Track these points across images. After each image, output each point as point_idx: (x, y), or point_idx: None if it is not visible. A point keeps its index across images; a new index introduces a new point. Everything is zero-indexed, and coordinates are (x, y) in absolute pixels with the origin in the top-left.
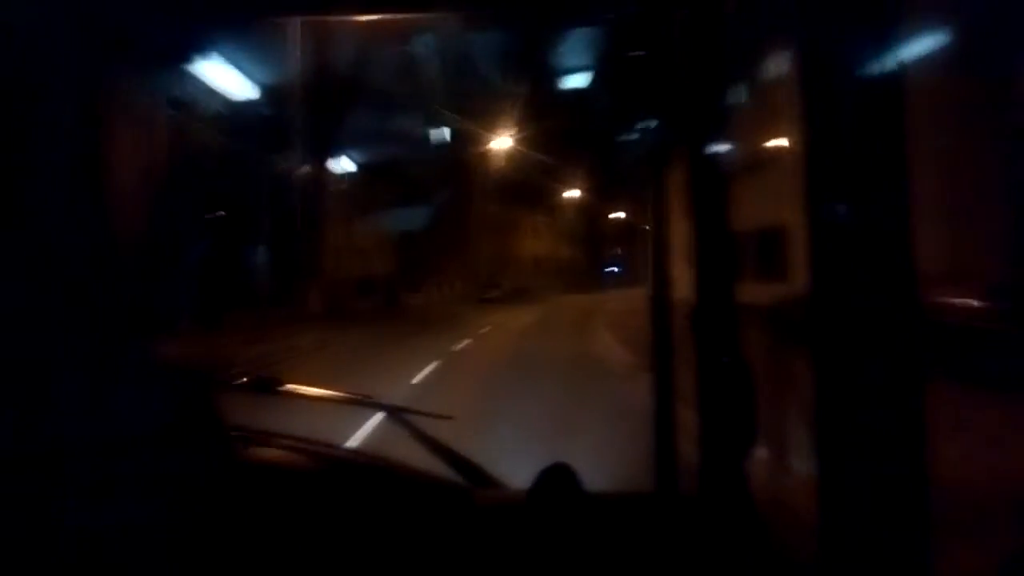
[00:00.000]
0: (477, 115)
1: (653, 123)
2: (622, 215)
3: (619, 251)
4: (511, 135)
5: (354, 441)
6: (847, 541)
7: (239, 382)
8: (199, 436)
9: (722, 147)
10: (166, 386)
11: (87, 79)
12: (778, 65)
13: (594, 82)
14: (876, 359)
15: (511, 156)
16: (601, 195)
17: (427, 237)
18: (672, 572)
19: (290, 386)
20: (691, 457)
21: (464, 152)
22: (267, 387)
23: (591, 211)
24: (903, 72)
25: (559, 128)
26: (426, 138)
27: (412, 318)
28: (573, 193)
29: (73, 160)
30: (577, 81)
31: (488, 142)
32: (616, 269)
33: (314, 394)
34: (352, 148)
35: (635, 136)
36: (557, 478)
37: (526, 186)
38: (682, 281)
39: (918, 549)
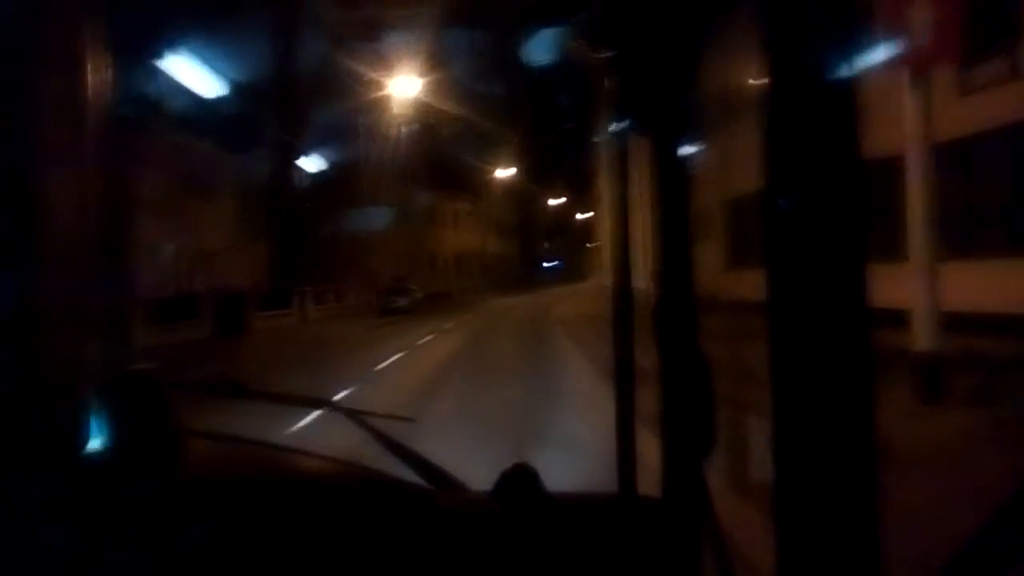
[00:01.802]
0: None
1: (617, 117)
2: (562, 201)
3: (547, 245)
4: (419, 76)
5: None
6: (803, 542)
7: (196, 385)
8: (158, 441)
9: (685, 142)
10: (124, 390)
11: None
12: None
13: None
14: (828, 356)
15: (420, 111)
16: (537, 178)
17: (310, 234)
18: (633, 574)
19: (252, 390)
20: (657, 459)
21: (349, 98)
22: (229, 390)
23: (525, 197)
24: (859, 73)
25: (486, 86)
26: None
27: (225, 360)
28: (506, 172)
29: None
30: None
31: (386, 86)
32: (556, 263)
33: (277, 398)
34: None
35: (574, 116)
36: (519, 480)
37: (445, 162)
38: (642, 276)
39: (870, 549)
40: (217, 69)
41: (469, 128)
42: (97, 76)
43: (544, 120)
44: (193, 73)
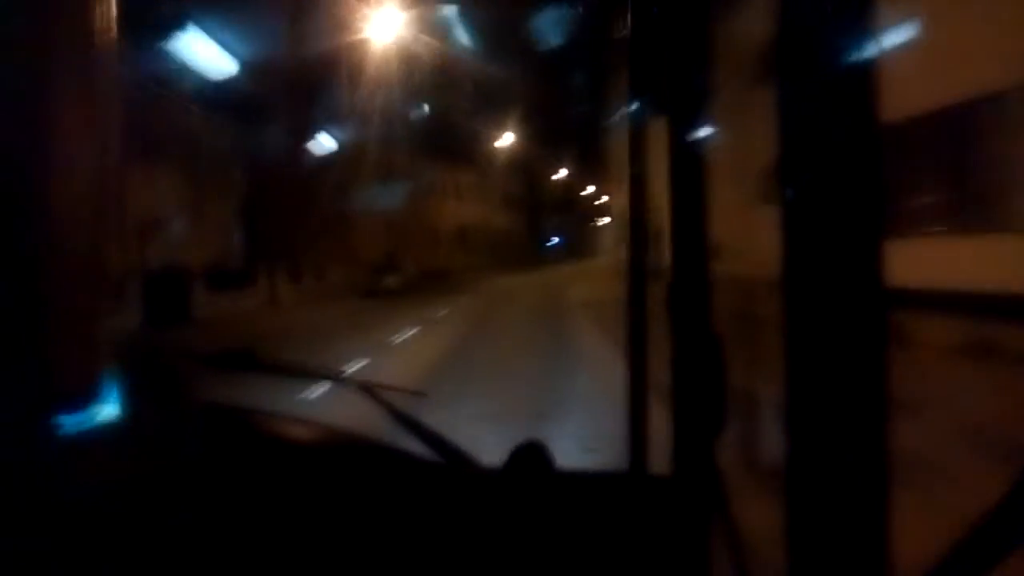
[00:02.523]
0: None
1: (634, 99)
2: (570, 174)
3: (554, 220)
4: (405, 12)
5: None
6: (812, 524)
7: (211, 357)
8: (172, 413)
9: (702, 124)
10: (136, 365)
11: (35, 45)
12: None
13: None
14: (843, 342)
15: (406, 59)
16: (545, 150)
17: (288, 205)
18: (642, 551)
19: (265, 362)
20: (667, 437)
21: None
22: (240, 362)
23: (532, 169)
24: (879, 58)
25: (498, 61)
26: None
27: None
28: (512, 142)
29: (20, 130)
30: None
31: (363, 28)
32: (562, 240)
33: (290, 369)
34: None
35: (587, 85)
36: (530, 456)
37: (447, 131)
38: (659, 258)
39: (879, 531)
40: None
41: (476, 97)
42: (108, 57)
43: (555, 95)
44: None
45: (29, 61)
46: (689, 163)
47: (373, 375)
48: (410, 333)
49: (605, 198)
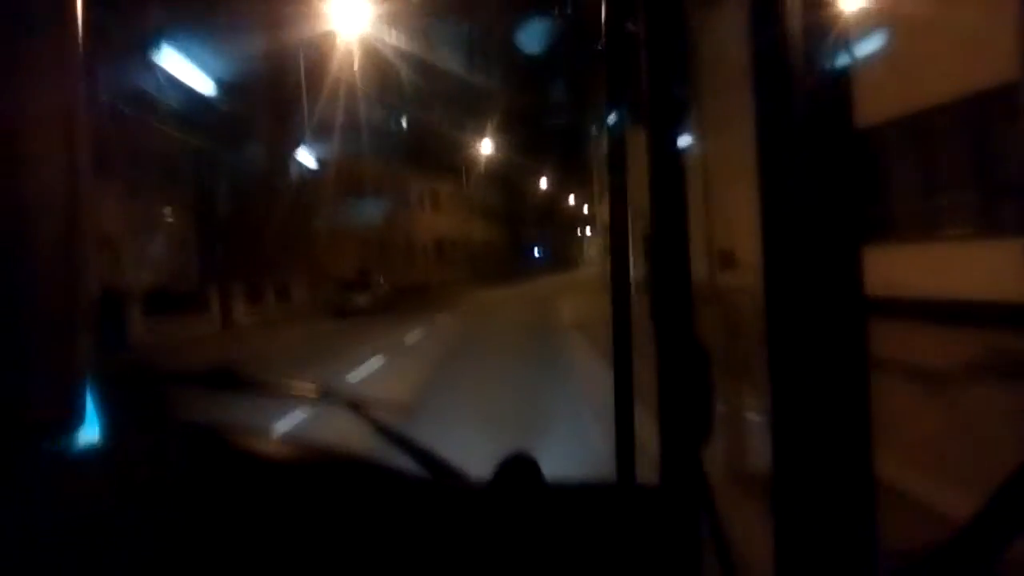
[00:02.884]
0: None
1: (612, 109)
2: (552, 185)
3: (537, 232)
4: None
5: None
6: (800, 530)
7: (195, 376)
8: (153, 434)
9: (681, 134)
10: (116, 386)
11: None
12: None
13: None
14: (825, 349)
15: (381, 66)
16: (527, 160)
17: (251, 222)
18: (632, 562)
19: (249, 379)
20: (654, 446)
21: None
22: (224, 381)
23: (514, 179)
24: (853, 67)
25: (476, 74)
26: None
27: None
28: (492, 151)
29: None
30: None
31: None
32: (545, 251)
33: (274, 387)
34: None
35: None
36: (518, 468)
37: (424, 137)
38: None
39: (866, 538)
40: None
41: (455, 105)
42: (85, 72)
43: (536, 105)
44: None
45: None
46: (669, 172)
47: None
48: (373, 367)
49: (586, 208)
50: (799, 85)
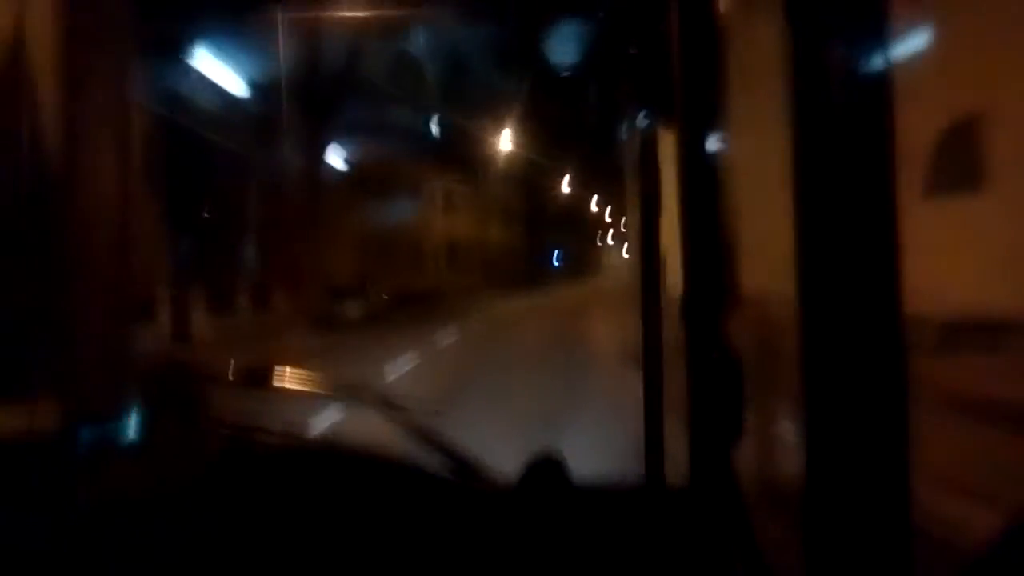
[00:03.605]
0: None
1: (643, 113)
2: (576, 187)
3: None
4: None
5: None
6: (831, 535)
7: (229, 376)
8: (189, 430)
9: (715, 138)
10: (156, 382)
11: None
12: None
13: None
14: (862, 356)
15: (395, 55)
16: (546, 158)
17: (239, 215)
18: (659, 564)
19: (280, 379)
20: (681, 449)
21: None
22: (257, 381)
23: (532, 181)
24: (891, 70)
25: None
26: None
27: None
28: (506, 145)
29: (42, 159)
30: None
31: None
32: (566, 258)
33: (303, 387)
34: None
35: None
36: (545, 470)
37: (439, 130)
38: (671, 272)
39: (901, 544)
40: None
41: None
42: (132, 76)
43: (561, 103)
44: None
45: (60, 82)
46: (702, 176)
47: None
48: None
49: (608, 213)
50: (835, 87)
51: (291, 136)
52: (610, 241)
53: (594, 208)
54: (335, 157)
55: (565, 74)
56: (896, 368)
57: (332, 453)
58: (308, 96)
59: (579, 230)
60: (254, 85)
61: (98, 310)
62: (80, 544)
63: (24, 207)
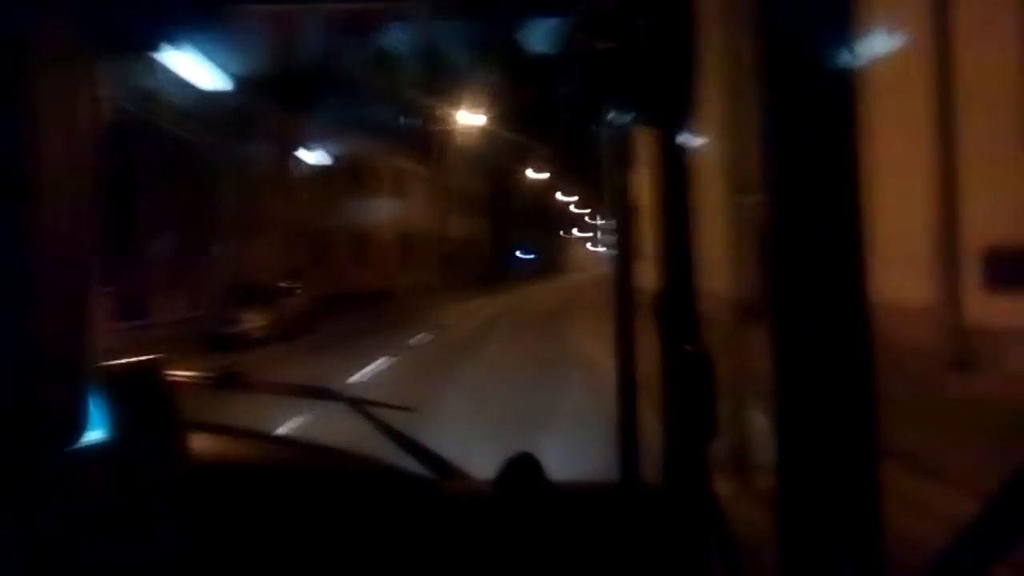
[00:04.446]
0: None
1: (619, 112)
2: (544, 176)
3: (524, 231)
4: None
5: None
6: (805, 530)
7: (202, 378)
8: (160, 435)
9: (688, 133)
10: (124, 385)
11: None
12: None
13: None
14: (830, 352)
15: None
16: (513, 144)
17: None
18: (635, 562)
19: (254, 381)
20: (656, 447)
21: None
22: (230, 382)
23: (498, 167)
24: (859, 67)
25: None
26: None
27: None
28: (470, 121)
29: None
30: None
31: None
32: (531, 254)
33: (278, 388)
34: None
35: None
36: (522, 469)
37: (386, 100)
38: (643, 270)
39: (874, 537)
40: None
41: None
42: (92, 69)
43: (530, 89)
44: None
45: (10, 77)
46: (675, 173)
47: None
48: None
49: (574, 206)
50: (806, 82)
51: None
52: (576, 233)
53: (559, 197)
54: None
55: (540, 66)
56: (864, 358)
57: (307, 454)
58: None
59: (545, 222)
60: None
61: (56, 316)
62: (53, 556)
63: None
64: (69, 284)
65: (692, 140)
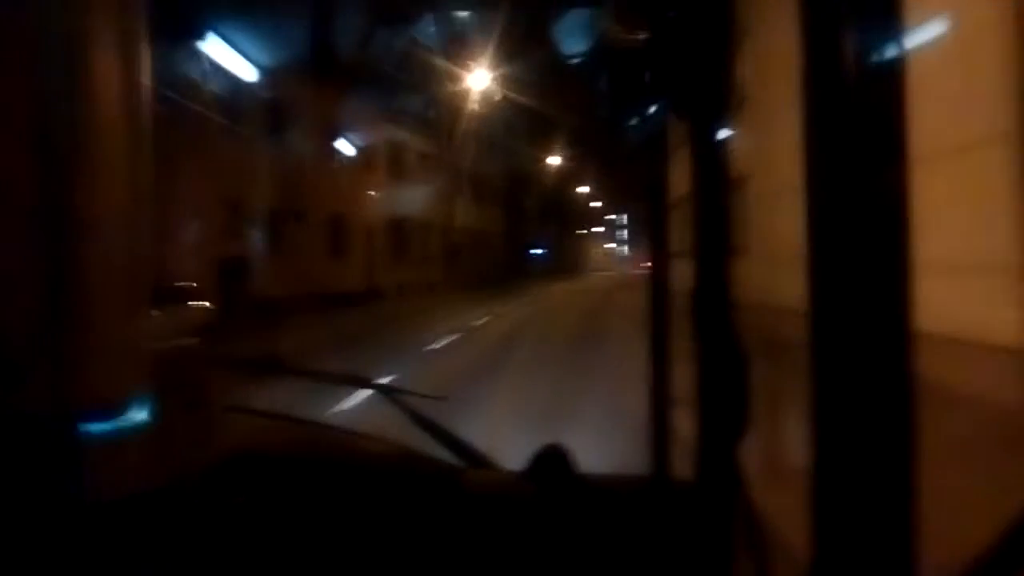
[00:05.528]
0: None
1: (654, 106)
2: (563, 163)
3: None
4: None
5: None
6: (838, 531)
7: (240, 361)
8: (201, 417)
9: (724, 125)
10: (166, 369)
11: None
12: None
13: None
14: (870, 356)
15: None
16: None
17: None
18: (665, 557)
19: (289, 366)
20: (689, 442)
21: None
22: (267, 366)
23: (516, 153)
24: (906, 62)
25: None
26: None
27: None
28: (481, 82)
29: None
30: None
31: None
32: (545, 250)
33: (317, 375)
34: None
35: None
36: (551, 460)
37: (379, 56)
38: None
39: (905, 542)
40: None
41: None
42: (142, 59)
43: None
44: None
45: (67, 64)
46: (711, 166)
47: None
48: None
49: (589, 194)
50: (851, 80)
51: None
52: (593, 230)
53: (580, 191)
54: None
55: (573, 60)
56: (902, 363)
57: (336, 438)
58: None
59: (562, 216)
60: None
61: (105, 297)
62: (88, 537)
63: (31, 191)
64: (118, 270)
65: (730, 132)
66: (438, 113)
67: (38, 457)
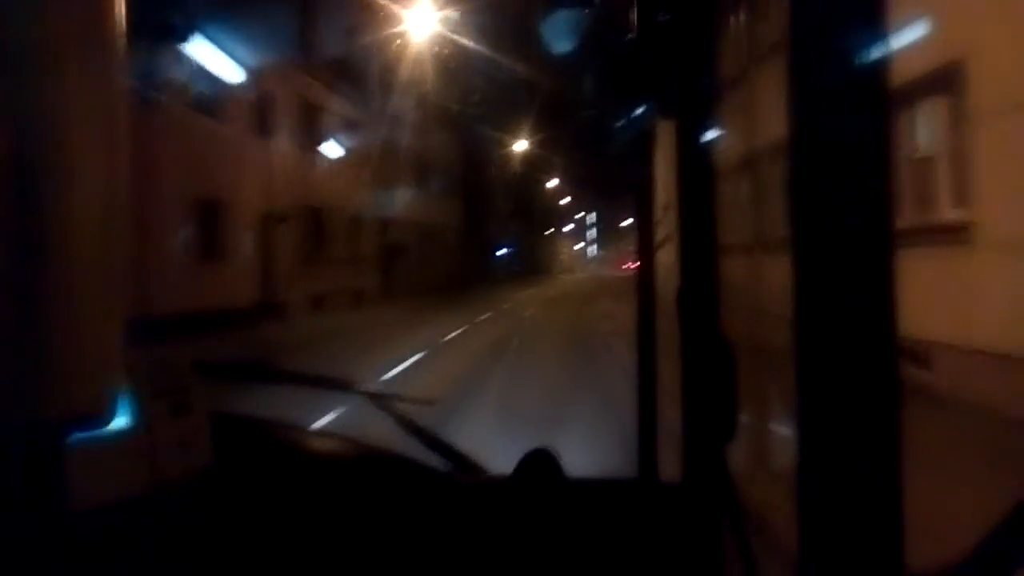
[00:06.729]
0: None
1: (641, 105)
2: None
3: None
4: None
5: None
6: (825, 532)
7: (222, 367)
8: (184, 422)
9: (709, 125)
10: (149, 374)
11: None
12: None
13: None
14: (857, 355)
15: None
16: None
17: None
18: (652, 559)
19: (273, 371)
20: (676, 443)
21: None
22: (250, 372)
23: (476, 135)
24: (890, 63)
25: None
26: None
27: None
28: (426, 26)
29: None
30: None
31: None
32: (510, 250)
33: (303, 380)
34: None
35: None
36: (539, 464)
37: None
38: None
39: (892, 543)
40: None
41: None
42: (120, 59)
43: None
44: None
45: (41, 61)
46: (697, 165)
47: None
48: None
49: (557, 189)
50: (835, 79)
51: None
52: (565, 228)
53: (549, 185)
54: None
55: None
56: (890, 360)
57: (325, 446)
58: None
59: (530, 214)
60: None
61: (83, 303)
62: (69, 545)
63: (3, 195)
64: (96, 275)
65: (715, 130)
66: (367, 66)
67: (17, 466)
